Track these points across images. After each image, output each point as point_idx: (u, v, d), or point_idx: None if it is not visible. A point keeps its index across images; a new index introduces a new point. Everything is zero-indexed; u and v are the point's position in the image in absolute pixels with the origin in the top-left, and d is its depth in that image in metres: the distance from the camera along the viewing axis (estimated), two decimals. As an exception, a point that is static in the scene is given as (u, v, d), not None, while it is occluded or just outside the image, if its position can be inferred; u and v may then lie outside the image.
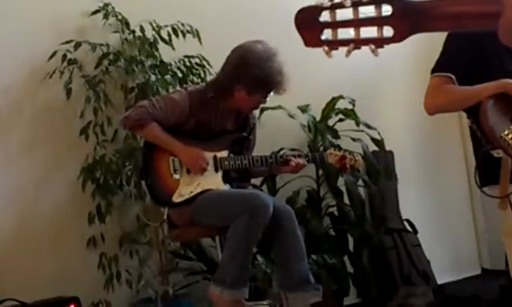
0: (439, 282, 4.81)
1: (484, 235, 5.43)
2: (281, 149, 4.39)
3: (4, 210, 3.77)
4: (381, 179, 4.62)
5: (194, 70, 4.06)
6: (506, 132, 2.32)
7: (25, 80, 3.86)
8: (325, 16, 1.11)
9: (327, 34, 1.12)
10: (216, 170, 3.38)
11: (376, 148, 4.62)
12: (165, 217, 3.43)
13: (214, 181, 3.36)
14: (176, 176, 3.33)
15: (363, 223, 4.46)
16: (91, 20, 4.00)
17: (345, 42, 1.12)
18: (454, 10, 1.14)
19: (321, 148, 4.45)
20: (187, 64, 4.06)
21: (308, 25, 1.11)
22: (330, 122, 4.59)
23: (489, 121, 2.36)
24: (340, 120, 4.61)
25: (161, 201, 3.40)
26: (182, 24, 4.02)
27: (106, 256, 3.89)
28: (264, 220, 3.14)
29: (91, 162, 3.87)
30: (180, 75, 4.03)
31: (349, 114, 4.54)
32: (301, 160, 3.47)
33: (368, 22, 1.11)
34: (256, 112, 4.24)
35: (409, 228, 4.88)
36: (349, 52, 1.13)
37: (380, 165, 4.65)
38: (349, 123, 4.56)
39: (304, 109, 4.48)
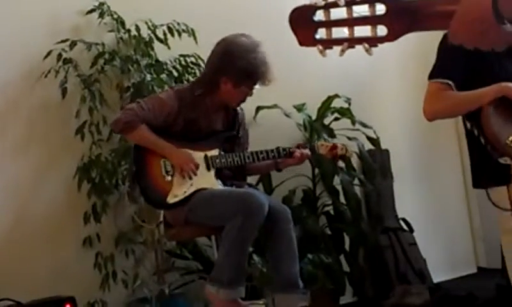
0: (435, 281, 4.82)
1: (480, 233, 5.44)
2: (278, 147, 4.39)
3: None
4: (377, 178, 4.63)
5: (189, 69, 4.06)
6: (511, 139, 2.31)
7: (21, 79, 3.85)
8: (319, 16, 1.11)
9: (321, 33, 1.12)
10: (208, 169, 3.38)
11: (371, 147, 4.62)
12: (161, 218, 3.42)
13: (207, 180, 3.36)
14: (169, 178, 3.32)
15: (359, 222, 4.46)
16: (87, 19, 3.99)
17: (339, 41, 1.12)
18: (448, 9, 1.14)
19: (316, 147, 4.44)
20: (183, 63, 4.06)
21: (302, 24, 1.11)
22: (326, 121, 4.59)
23: (493, 128, 2.35)
24: (336, 119, 4.61)
25: (156, 204, 3.40)
26: (178, 23, 4.01)
27: (102, 256, 3.88)
28: (259, 220, 3.14)
29: (87, 161, 3.86)
30: (175, 74, 4.03)
31: (345, 112, 4.54)
32: (305, 151, 3.48)
33: (362, 21, 1.11)
34: (252, 110, 4.25)
35: (405, 227, 4.89)
36: (343, 51, 1.13)
37: (376, 164, 4.66)
38: (345, 122, 4.56)
39: (300, 108, 4.48)
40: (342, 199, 4.46)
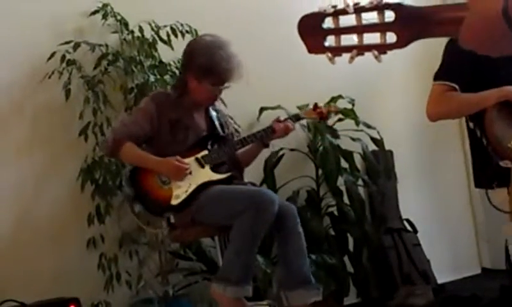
0: (439, 281, 4.81)
1: (484, 234, 5.43)
2: (281, 149, 4.38)
3: (3, 211, 3.76)
4: (380, 178, 4.62)
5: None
6: None
7: (25, 80, 3.85)
8: (328, 23, 1.10)
9: (330, 40, 1.12)
10: (203, 167, 3.40)
11: (375, 148, 4.62)
12: (166, 224, 3.42)
13: (204, 175, 3.38)
14: (166, 186, 3.34)
15: (363, 223, 4.45)
16: (90, 21, 3.99)
17: (348, 48, 1.11)
18: (458, 15, 1.13)
19: (321, 148, 4.45)
20: (186, 64, 4.05)
21: (311, 31, 1.11)
22: (329, 122, 4.59)
23: (496, 132, 2.35)
24: (340, 120, 4.60)
25: (161, 212, 3.39)
26: (181, 24, 4.01)
27: (106, 257, 3.88)
28: (271, 217, 3.14)
29: (91, 162, 3.86)
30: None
31: (349, 113, 4.53)
32: (289, 123, 3.50)
33: (371, 28, 1.11)
34: (255, 111, 4.25)
35: (409, 228, 4.88)
36: (352, 59, 1.13)
37: (380, 165, 4.65)
38: (349, 123, 4.56)
39: (303, 109, 4.47)
40: (346, 200, 4.45)
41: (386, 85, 5.19)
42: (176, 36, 4.02)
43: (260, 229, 3.15)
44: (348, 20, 1.10)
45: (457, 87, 2.53)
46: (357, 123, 4.51)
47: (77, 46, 3.83)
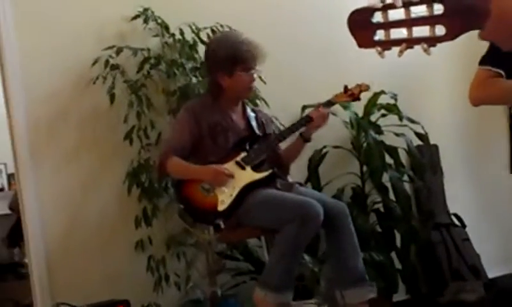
0: (490, 276, 4.72)
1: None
2: (325, 147, 4.37)
3: (53, 216, 3.83)
4: (426, 173, 4.56)
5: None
6: None
7: (71, 87, 3.91)
8: (377, 17, 1.10)
9: (380, 34, 1.11)
10: (243, 168, 3.40)
11: (420, 143, 4.56)
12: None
13: (246, 176, 3.38)
14: (211, 194, 3.35)
15: (409, 219, 4.40)
16: (132, 25, 4.03)
17: (398, 42, 1.10)
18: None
19: (364, 145, 4.41)
20: (228, 65, 4.06)
21: (361, 26, 1.10)
22: (373, 118, 4.55)
23: None
24: (383, 115, 4.56)
25: (210, 220, 3.40)
26: (221, 25, 4.02)
27: (154, 259, 3.92)
28: (315, 229, 3.16)
29: (136, 166, 3.90)
30: (221, 76, 4.03)
31: (392, 109, 4.49)
32: (323, 109, 3.46)
33: (421, 21, 1.09)
34: (297, 109, 4.24)
35: (457, 222, 4.81)
36: (401, 52, 1.12)
37: (425, 160, 4.59)
38: (392, 118, 4.51)
39: (346, 106, 4.44)
40: (392, 196, 4.41)
41: (429, 79, 5.12)
42: (216, 37, 4.02)
43: (304, 240, 3.16)
44: (397, 14, 1.09)
45: (503, 73, 2.48)
46: (400, 118, 4.46)
47: (119, 51, 3.87)
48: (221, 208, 3.31)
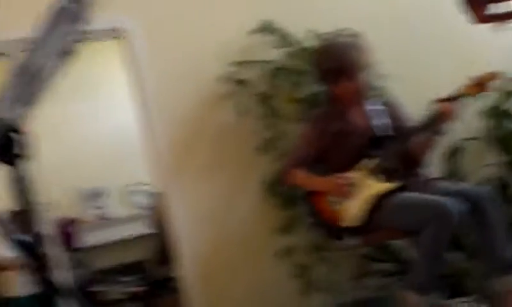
0: None
1: None
2: (462, 139, 4.20)
3: (199, 234, 3.95)
4: None
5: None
6: None
7: (200, 104, 4.02)
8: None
9: (492, 8, 1.05)
10: (372, 177, 3.31)
11: None
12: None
13: (378, 185, 3.29)
14: (339, 206, 3.30)
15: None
16: (254, 38, 4.08)
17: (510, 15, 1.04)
18: None
19: (501, 134, 4.20)
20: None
21: (478, 3, 1.05)
22: (507, 106, 4.31)
23: None
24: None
25: (340, 236, 3.36)
26: (344, 29, 3.97)
27: (299, 266, 3.93)
28: (452, 228, 3.03)
29: (272, 176, 3.93)
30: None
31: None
32: (450, 103, 3.29)
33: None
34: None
35: None
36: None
37: None
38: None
39: (476, 96, 4.22)
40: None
41: None
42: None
43: (443, 239, 3.04)
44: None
45: None
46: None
47: (244, 64, 3.94)
48: (353, 223, 3.26)
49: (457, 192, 3.14)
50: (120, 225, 6.81)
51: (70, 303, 1.36)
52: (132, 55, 3.94)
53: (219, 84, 3.95)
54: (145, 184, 6.35)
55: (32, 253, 1.00)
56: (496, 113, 4.21)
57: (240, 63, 3.94)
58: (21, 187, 0.95)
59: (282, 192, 3.92)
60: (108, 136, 6.67)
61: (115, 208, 6.97)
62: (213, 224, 4.00)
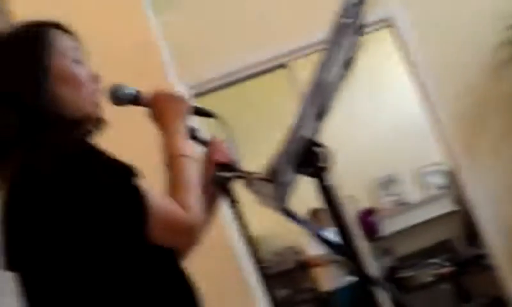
0: None
1: None
2: None
3: (504, 209, 3.78)
4: None
5: None
6: None
7: (481, 73, 3.85)
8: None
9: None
10: None
11: None
12: None
13: None
14: None
15: None
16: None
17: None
18: None
19: None
20: None
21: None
22: None
23: None
24: None
25: None
26: None
27: None
28: None
29: None
30: None
31: None
32: None
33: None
34: None
35: None
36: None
37: None
38: None
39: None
40: None
41: None
42: None
43: None
44: None
45: None
46: None
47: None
48: None
49: None
50: (418, 208, 6.82)
51: (381, 290, 1.42)
52: (403, 39, 3.93)
53: (498, 50, 3.74)
54: (438, 164, 6.27)
55: (340, 247, 1.08)
56: None
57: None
58: (328, 195, 1.04)
59: None
60: (393, 123, 6.72)
61: (411, 192, 6.99)
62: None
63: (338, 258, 4.54)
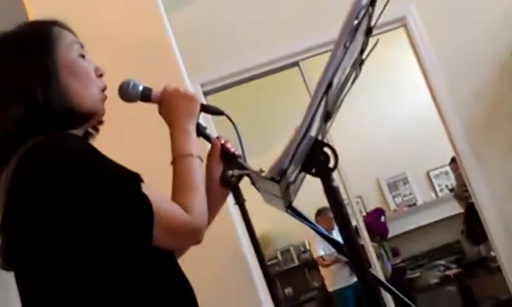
0: None
1: None
2: None
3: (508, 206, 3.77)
4: None
5: None
6: None
7: (496, 79, 3.83)
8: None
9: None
10: None
11: None
12: None
13: None
14: None
15: None
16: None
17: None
18: None
19: None
20: None
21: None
22: None
23: None
24: None
25: None
26: None
27: None
28: None
29: None
30: None
31: None
32: None
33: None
34: None
35: None
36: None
37: None
38: None
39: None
40: None
41: None
42: None
43: None
44: None
45: None
46: None
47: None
48: None
49: None
50: (426, 209, 6.82)
51: (386, 291, 1.43)
52: (415, 40, 3.91)
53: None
54: (447, 166, 6.26)
55: (345, 248, 1.08)
56: None
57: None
58: (332, 196, 1.05)
59: None
60: (404, 123, 6.71)
61: (420, 193, 6.98)
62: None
63: (344, 257, 4.55)
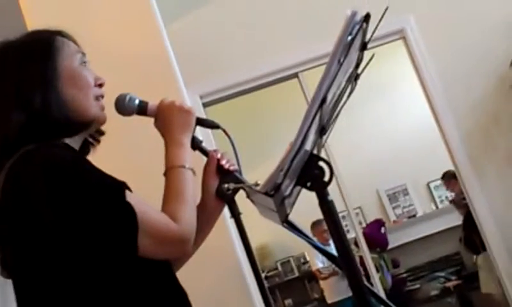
0: None
1: None
2: None
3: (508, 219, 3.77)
4: None
5: None
6: None
7: (494, 90, 3.84)
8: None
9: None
10: None
11: None
12: None
13: None
14: None
15: None
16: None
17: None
18: None
19: None
20: None
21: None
22: None
23: None
24: None
25: None
26: None
27: None
28: None
29: None
30: None
31: None
32: None
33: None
34: None
35: None
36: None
37: None
38: None
39: None
40: None
41: None
42: None
43: None
44: None
45: None
46: None
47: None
48: None
49: None
50: (426, 221, 6.82)
51: (384, 303, 1.43)
52: (414, 52, 3.91)
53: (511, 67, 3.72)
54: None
55: (340, 261, 1.09)
56: None
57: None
58: (329, 210, 1.05)
59: None
60: (404, 135, 6.72)
61: (420, 204, 6.98)
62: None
63: (339, 270, 4.56)
